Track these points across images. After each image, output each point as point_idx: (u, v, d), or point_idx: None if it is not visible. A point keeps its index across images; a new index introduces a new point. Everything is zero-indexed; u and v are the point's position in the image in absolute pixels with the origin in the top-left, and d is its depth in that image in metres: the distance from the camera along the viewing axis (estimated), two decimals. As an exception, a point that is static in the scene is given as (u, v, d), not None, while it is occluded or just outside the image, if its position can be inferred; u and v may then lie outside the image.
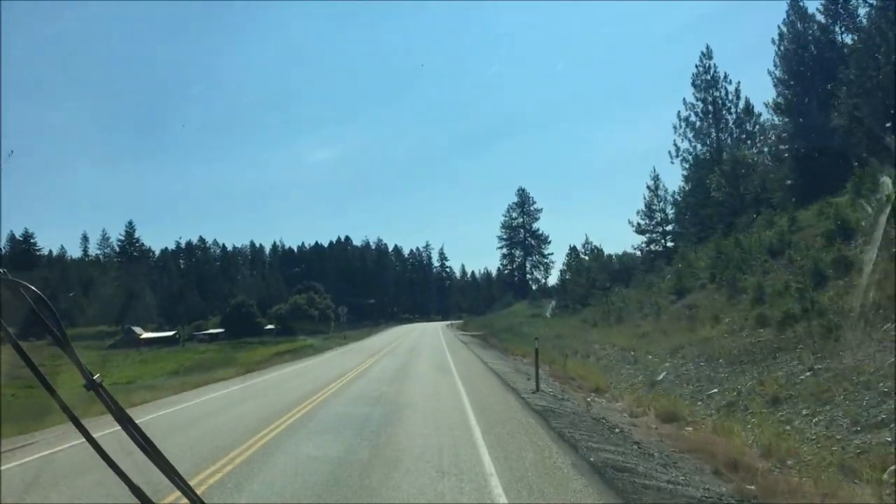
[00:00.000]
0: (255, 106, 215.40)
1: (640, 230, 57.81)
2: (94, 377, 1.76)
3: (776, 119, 45.77)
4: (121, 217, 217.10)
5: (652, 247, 58.55)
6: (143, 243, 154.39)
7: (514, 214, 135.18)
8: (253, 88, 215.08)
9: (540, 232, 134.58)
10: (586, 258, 76.84)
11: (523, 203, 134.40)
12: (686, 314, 27.74)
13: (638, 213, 58.06)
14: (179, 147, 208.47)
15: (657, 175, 58.45)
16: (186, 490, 1.94)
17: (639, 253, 61.67)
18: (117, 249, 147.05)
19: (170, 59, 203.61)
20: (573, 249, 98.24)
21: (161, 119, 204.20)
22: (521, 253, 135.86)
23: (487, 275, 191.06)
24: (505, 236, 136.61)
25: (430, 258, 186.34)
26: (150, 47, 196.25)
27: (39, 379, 1.75)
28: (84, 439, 1.89)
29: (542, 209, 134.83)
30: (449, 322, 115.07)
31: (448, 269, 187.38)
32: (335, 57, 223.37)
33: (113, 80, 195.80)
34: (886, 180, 22.24)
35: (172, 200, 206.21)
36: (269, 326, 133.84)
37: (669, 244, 60.39)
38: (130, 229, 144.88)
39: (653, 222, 56.51)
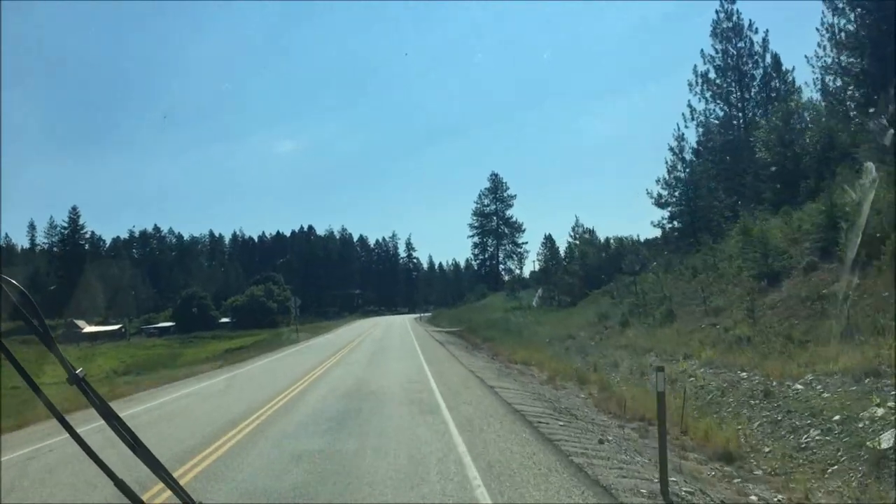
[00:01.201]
0: (218, 97, 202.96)
1: (661, 203, 46.61)
2: (77, 371, 1.69)
3: (840, 58, 35.03)
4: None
5: (675, 223, 47.23)
6: (92, 231, 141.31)
7: (487, 201, 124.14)
8: (216, 80, 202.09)
9: (514, 219, 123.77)
10: (575, 242, 65.67)
11: (496, 189, 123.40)
12: (818, 310, 16.68)
13: (658, 181, 46.77)
14: (138, 137, 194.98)
15: (682, 135, 46.86)
16: (172, 483, 1.88)
17: (660, 230, 50.46)
18: (62, 237, 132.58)
19: (130, 50, 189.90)
20: (548, 238, 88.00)
21: (119, 109, 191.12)
22: (494, 242, 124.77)
23: (456, 266, 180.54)
24: (476, 224, 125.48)
25: (396, 249, 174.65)
26: (110, 38, 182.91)
27: (23, 376, 1.69)
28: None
29: (515, 196, 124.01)
30: (417, 315, 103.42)
31: (415, 260, 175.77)
32: (298, 48, 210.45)
33: (71, 71, 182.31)
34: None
35: (129, 190, 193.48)
36: (224, 320, 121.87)
37: (674, 223, 49.47)
38: (75, 216, 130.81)
39: (677, 192, 45.39)
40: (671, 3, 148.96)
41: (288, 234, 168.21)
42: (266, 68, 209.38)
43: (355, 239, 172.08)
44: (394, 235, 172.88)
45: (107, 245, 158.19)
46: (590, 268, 52.85)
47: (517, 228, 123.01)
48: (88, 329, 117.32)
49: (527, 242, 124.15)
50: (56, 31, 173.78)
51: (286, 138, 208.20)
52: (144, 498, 1.98)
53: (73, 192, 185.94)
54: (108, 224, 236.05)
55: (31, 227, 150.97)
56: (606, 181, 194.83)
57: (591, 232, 62.74)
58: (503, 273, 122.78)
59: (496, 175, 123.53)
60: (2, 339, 1.63)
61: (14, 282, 1.60)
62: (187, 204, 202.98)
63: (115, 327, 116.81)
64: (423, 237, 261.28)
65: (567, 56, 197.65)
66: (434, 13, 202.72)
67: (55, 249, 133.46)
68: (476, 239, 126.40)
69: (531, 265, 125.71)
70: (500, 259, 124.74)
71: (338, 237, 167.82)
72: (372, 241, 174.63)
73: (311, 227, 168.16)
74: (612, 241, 55.54)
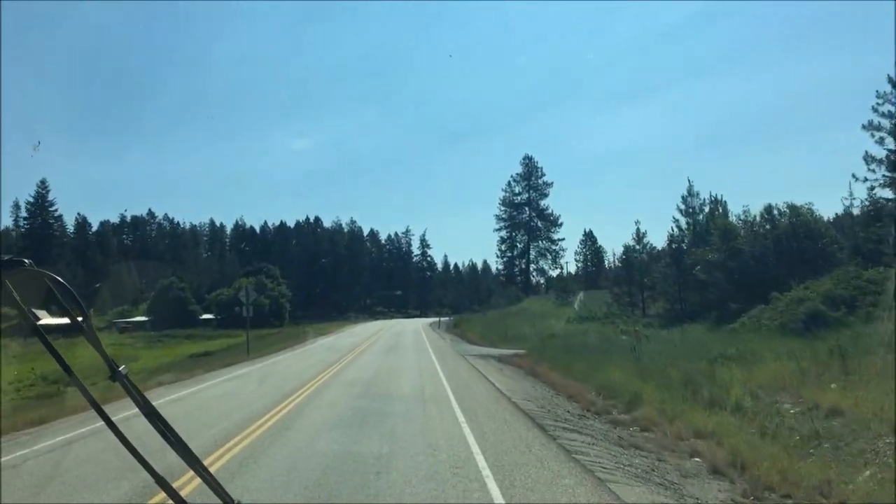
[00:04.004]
0: (234, 92, 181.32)
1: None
2: (120, 368, 1.67)
3: None
4: (77, 195, 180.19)
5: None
6: (77, 213, 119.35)
7: (518, 189, 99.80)
8: (234, 75, 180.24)
9: (549, 212, 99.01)
10: (680, 224, 41.21)
11: (529, 175, 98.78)
12: None
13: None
14: (152, 129, 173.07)
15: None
16: (210, 480, 1.80)
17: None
18: (26, 215, 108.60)
19: (148, 43, 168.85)
20: (588, 234, 64.65)
21: (133, 100, 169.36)
22: (525, 237, 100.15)
23: (472, 268, 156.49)
24: (505, 215, 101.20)
25: (410, 245, 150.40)
26: (128, 27, 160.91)
27: (62, 365, 1.65)
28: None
29: (551, 184, 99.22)
30: (434, 320, 78.85)
31: (429, 259, 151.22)
32: (317, 45, 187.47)
33: (85, 57, 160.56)
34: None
35: (137, 181, 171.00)
36: (207, 316, 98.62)
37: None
38: (43, 190, 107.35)
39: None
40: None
41: (292, 224, 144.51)
42: (283, 65, 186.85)
43: (365, 233, 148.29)
44: (407, 231, 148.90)
45: (93, 228, 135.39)
46: (746, 258, 28.69)
47: (553, 222, 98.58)
48: (46, 321, 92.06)
49: (563, 239, 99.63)
50: (75, 24, 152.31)
51: (301, 134, 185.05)
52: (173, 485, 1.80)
53: (80, 180, 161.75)
54: (112, 214, 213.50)
55: (16, 206, 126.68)
56: (640, 183, 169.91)
57: (723, 204, 38.24)
58: (534, 274, 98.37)
59: (530, 158, 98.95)
60: (42, 330, 1.57)
61: (58, 277, 1.49)
62: (195, 197, 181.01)
63: (77, 320, 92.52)
64: (439, 237, 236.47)
65: (604, 54, 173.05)
66: (455, 9, 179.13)
67: (22, 228, 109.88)
68: (503, 233, 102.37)
69: (560, 266, 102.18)
70: (532, 257, 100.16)
71: (346, 230, 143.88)
72: (383, 237, 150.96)
73: (317, 219, 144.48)
74: (778, 212, 31.01)
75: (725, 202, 39.39)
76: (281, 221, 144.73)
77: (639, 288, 43.80)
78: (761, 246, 29.86)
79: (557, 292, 62.32)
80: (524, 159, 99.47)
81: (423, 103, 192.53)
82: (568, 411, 14.49)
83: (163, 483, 1.75)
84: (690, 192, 40.60)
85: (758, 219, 32.50)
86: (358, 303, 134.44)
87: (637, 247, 46.03)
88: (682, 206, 40.88)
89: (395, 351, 34.98)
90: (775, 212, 31.42)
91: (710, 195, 40.19)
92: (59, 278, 1.51)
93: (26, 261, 1.44)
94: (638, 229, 48.42)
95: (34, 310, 1.55)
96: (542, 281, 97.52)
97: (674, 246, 39.81)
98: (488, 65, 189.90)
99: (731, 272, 29.78)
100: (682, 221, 40.49)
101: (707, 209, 38.85)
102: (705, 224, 36.65)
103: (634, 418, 14.05)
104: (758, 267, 29.01)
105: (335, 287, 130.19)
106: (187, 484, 6.83)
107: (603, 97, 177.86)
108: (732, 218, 35.19)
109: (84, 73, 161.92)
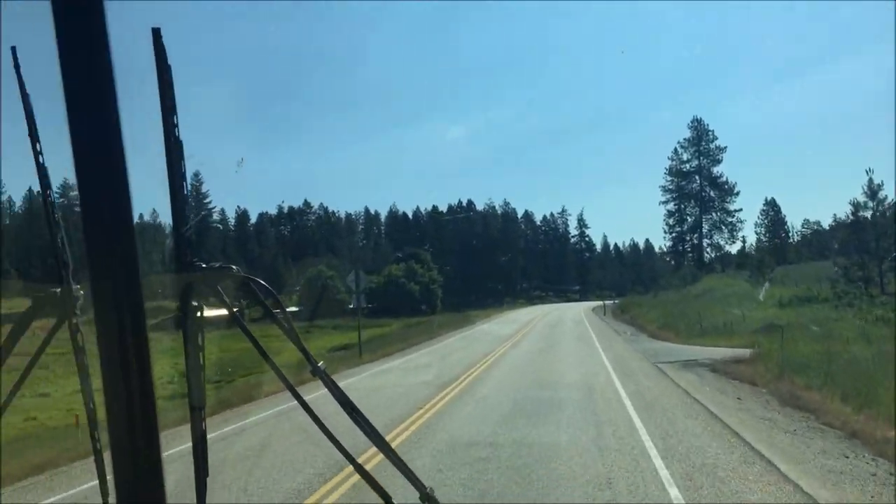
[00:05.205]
0: (390, 85, 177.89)
1: None
2: (319, 364, 1.68)
3: None
4: (237, 189, 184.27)
5: None
6: (237, 206, 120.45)
7: (686, 155, 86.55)
8: (385, 71, 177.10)
9: (723, 179, 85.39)
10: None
11: (699, 139, 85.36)
12: None
13: None
14: (314, 124, 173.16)
15: None
16: (406, 470, 1.69)
17: None
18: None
19: (307, 43, 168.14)
20: (770, 203, 52.04)
21: (293, 97, 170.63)
22: (696, 208, 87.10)
23: (634, 247, 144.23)
24: (671, 186, 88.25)
25: (566, 226, 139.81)
26: (291, 34, 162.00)
27: (260, 352, 1.68)
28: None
29: (725, 148, 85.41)
30: (597, 304, 68.46)
31: (587, 239, 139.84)
32: (469, 40, 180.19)
33: (243, 58, 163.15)
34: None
35: (293, 173, 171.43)
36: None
37: None
38: (197, 183, 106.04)
39: None
40: None
41: (445, 209, 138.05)
42: (435, 58, 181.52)
43: (520, 215, 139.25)
44: (563, 211, 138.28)
45: (252, 221, 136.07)
46: None
47: (728, 191, 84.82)
48: (210, 314, 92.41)
49: (741, 210, 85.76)
50: (247, 30, 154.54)
51: (454, 122, 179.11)
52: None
53: (241, 174, 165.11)
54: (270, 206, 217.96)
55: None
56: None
57: None
58: (707, 250, 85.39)
59: (699, 121, 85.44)
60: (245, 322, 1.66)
61: (262, 282, 1.59)
62: (350, 186, 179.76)
63: (236, 310, 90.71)
64: (596, 216, 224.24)
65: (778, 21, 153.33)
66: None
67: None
68: (671, 206, 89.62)
69: (740, 240, 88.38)
70: (705, 231, 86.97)
71: (500, 212, 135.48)
72: (538, 218, 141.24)
73: (470, 202, 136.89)
74: None
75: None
76: (434, 206, 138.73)
77: (876, 258, 32.08)
78: None
79: (753, 270, 50.31)
80: (692, 122, 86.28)
81: (576, 86, 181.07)
82: None
83: (356, 464, 1.70)
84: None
85: None
86: (514, 287, 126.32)
87: (870, 204, 34.11)
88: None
89: (546, 353, 25.66)
90: None
91: None
92: (262, 282, 1.59)
93: (234, 267, 1.55)
94: (871, 179, 36.18)
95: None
96: (713, 257, 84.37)
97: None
98: (643, 44, 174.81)
99: None
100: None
101: None
102: None
103: None
104: None
105: (490, 271, 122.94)
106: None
107: (780, 63, 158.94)
108: None
109: (242, 76, 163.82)
